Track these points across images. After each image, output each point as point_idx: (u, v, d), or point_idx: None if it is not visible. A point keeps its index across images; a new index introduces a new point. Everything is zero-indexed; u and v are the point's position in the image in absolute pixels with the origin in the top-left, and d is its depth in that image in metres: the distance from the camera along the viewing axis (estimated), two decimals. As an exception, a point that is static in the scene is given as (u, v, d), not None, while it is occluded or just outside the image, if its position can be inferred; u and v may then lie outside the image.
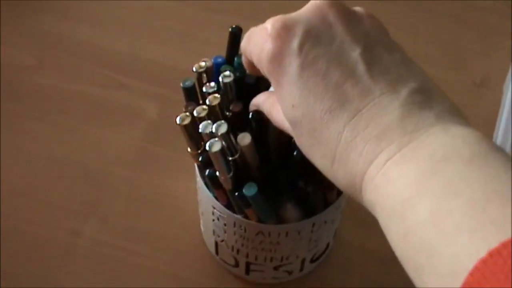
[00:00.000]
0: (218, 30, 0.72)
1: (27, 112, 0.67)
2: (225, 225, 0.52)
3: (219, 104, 0.46)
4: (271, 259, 0.55)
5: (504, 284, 0.28)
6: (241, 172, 0.47)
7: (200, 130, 0.45)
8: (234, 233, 0.52)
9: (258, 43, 0.40)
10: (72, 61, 0.71)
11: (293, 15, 0.40)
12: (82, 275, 0.58)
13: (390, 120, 0.36)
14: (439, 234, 0.31)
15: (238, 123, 0.48)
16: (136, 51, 0.72)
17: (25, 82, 0.69)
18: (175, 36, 0.73)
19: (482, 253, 0.29)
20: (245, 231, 0.51)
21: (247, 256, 0.55)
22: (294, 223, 0.51)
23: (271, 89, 0.43)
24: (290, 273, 0.57)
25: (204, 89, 0.48)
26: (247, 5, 0.74)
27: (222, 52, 0.51)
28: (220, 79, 0.47)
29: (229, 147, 0.46)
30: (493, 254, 0.29)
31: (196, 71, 0.49)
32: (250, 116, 0.47)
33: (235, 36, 0.50)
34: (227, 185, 0.47)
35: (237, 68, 0.49)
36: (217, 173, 0.47)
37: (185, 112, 0.46)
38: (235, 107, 0.48)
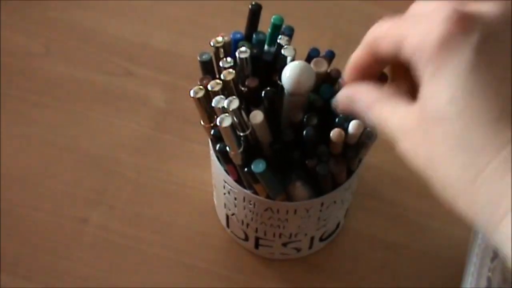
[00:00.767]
0: (226, 17, 0.73)
1: (34, 99, 0.67)
2: (235, 199, 0.53)
3: (233, 79, 0.47)
4: (280, 235, 0.55)
5: None
6: (252, 148, 0.48)
7: (212, 104, 0.45)
8: (244, 208, 0.53)
9: (424, 24, 0.35)
10: (79, 48, 0.71)
11: (475, 7, 0.35)
12: (89, 262, 0.59)
13: None
14: None
15: (253, 99, 0.49)
16: (144, 38, 0.72)
17: (32, 69, 0.69)
18: (183, 23, 0.73)
19: None
20: (254, 206, 0.52)
21: (256, 230, 0.56)
22: (303, 201, 0.51)
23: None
24: (298, 250, 0.58)
25: (220, 63, 0.48)
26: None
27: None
28: (237, 54, 0.47)
29: (240, 123, 0.46)
30: None
31: (213, 46, 0.50)
32: (263, 93, 0.47)
33: (255, 13, 0.50)
34: (237, 160, 0.48)
35: (255, 45, 0.50)
36: (227, 148, 0.47)
37: (199, 85, 0.47)
38: (251, 82, 0.48)
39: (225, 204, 0.56)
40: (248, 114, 0.47)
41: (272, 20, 0.50)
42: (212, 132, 0.49)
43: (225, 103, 0.45)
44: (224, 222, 0.60)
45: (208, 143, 0.53)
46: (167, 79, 0.69)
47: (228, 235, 0.60)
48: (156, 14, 0.74)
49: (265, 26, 0.51)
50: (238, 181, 0.52)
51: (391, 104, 0.38)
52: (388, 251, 0.61)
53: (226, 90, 0.47)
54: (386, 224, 0.62)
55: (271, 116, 0.48)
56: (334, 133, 0.47)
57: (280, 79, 0.47)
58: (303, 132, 0.48)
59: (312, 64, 0.48)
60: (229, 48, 0.50)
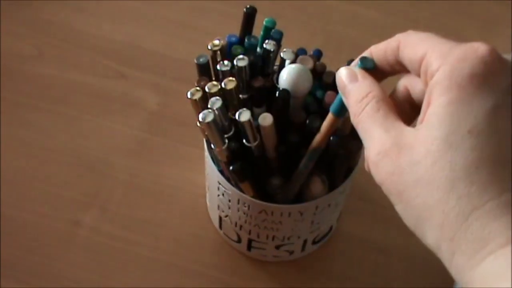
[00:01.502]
0: (219, 19, 0.73)
1: (26, 102, 0.67)
2: (229, 201, 0.53)
3: (234, 87, 0.47)
4: (273, 238, 0.56)
5: None
6: (240, 148, 0.48)
7: (208, 106, 0.46)
8: (238, 210, 0.53)
9: (462, 54, 0.35)
10: (72, 51, 0.71)
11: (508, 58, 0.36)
12: (82, 264, 0.59)
13: None
14: None
15: (257, 99, 0.49)
16: (136, 41, 0.72)
17: (24, 72, 0.69)
18: (175, 26, 0.73)
19: None
20: (248, 208, 0.52)
21: (249, 233, 0.56)
22: (297, 204, 0.51)
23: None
24: (291, 253, 0.58)
25: (218, 67, 0.48)
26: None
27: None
28: (235, 62, 0.48)
29: (252, 133, 0.47)
30: None
31: (211, 49, 0.50)
32: (277, 93, 0.47)
33: (250, 16, 0.51)
34: (222, 157, 0.48)
35: (248, 49, 0.50)
36: (212, 146, 0.48)
37: (197, 86, 0.47)
38: (256, 82, 0.48)
39: (218, 206, 0.56)
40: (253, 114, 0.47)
41: (264, 23, 0.50)
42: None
43: (236, 115, 0.45)
44: (216, 224, 0.60)
45: (202, 145, 0.53)
46: (159, 81, 0.69)
47: (220, 237, 0.61)
48: (148, 17, 0.74)
49: (258, 28, 0.51)
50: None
51: (378, 120, 0.37)
52: (380, 254, 0.61)
53: (227, 98, 0.47)
54: (379, 227, 0.62)
55: (280, 118, 0.48)
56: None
57: (277, 82, 0.48)
58: (305, 132, 0.48)
59: (298, 61, 0.49)
60: (226, 51, 0.50)
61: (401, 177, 0.35)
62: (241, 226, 0.56)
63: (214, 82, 0.47)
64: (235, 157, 0.48)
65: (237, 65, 0.47)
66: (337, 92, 0.48)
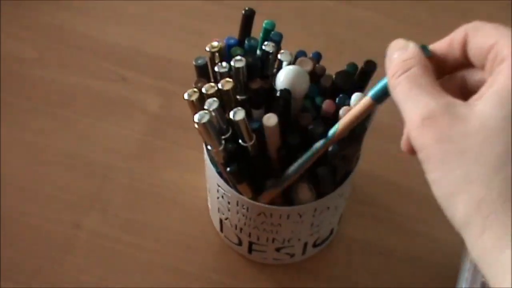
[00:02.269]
0: (221, 22, 0.73)
1: (27, 105, 0.67)
2: (228, 203, 0.53)
3: (231, 88, 0.47)
4: (273, 240, 0.55)
5: None
6: (236, 148, 0.48)
7: (205, 107, 0.46)
8: (237, 212, 0.53)
9: None
10: (73, 54, 0.71)
11: None
12: (83, 267, 0.59)
13: None
14: None
15: (255, 101, 0.49)
16: (137, 44, 0.72)
17: (25, 75, 0.69)
18: (176, 29, 0.73)
19: None
20: (247, 210, 0.52)
21: (249, 235, 0.56)
22: (295, 206, 0.51)
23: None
24: (292, 255, 0.58)
25: (216, 68, 0.48)
26: None
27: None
28: (232, 63, 0.48)
29: (248, 132, 0.47)
30: None
31: (209, 51, 0.50)
32: (278, 94, 0.47)
33: (248, 18, 0.51)
34: (219, 158, 0.48)
35: (248, 51, 0.50)
36: (209, 147, 0.48)
37: (194, 88, 0.47)
38: (254, 83, 0.48)
39: (218, 209, 0.56)
40: (250, 115, 0.47)
41: (264, 25, 0.50)
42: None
43: (230, 114, 0.45)
44: (217, 227, 0.60)
45: (202, 147, 0.53)
46: (161, 84, 0.69)
47: (221, 239, 0.60)
48: (150, 20, 0.74)
49: (258, 30, 0.51)
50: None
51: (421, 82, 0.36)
52: (381, 256, 0.61)
53: (224, 99, 0.47)
54: (380, 230, 0.62)
55: (283, 119, 0.48)
56: (344, 111, 0.47)
57: (274, 84, 0.48)
58: (306, 135, 0.48)
59: (297, 63, 0.49)
60: (224, 53, 0.50)
61: (446, 145, 0.34)
62: (241, 229, 0.56)
63: (212, 84, 0.47)
64: (232, 158, 0.48)
65: (234, 66, 0.47)
66: (334, 99, 0.48)
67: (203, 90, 0.47)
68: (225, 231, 0.59)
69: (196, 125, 0.46)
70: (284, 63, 0.49)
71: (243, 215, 0.53)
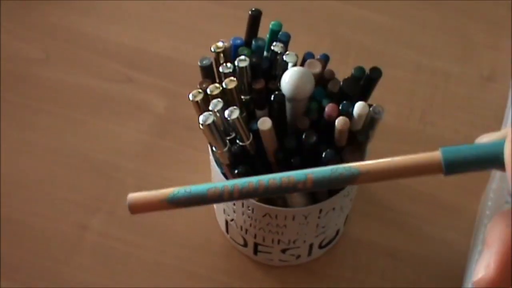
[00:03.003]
0: (227, 23, 0.73)
1: (34, 105, 0.67)
2: (234, 205, 0.53)
3: (235, 87, 0.47)
4: (279, 242, 0.55)
5: None
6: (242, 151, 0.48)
7: (210, 108, 0.46)
8: (243, 213, 0.53)
9: None
10: (79, 54, 0.71)
11: None
12: (89, 268, 0.59)
13: None
14: None
15: (258, 102, 0.49)
16: (144, 44, 0.72)
17: (32, 76, 0.69)
18: (182, 29, 0.73)
19: None
20: (253, 212, 0.52)
21: (255, 236, 0.56)
22: (300, 208, 0.51)
23: None
24: (297, 257, 0.58)
25: (220, 69, 0.48)
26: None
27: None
28: (236, 63, 0.48)
29: (244, 132, 0.47)
30: None
31: (214, 51, 0.50)
32: (272, 97, 0.47)
33: (255, 19, 0.50)
34: (224, 159, 0.48)
35: (255, 51, 0.50)
36: (214, 148, 0.48)
37: (199, 88, 0.47)
38: (257, 84, 0.48)
39: (224, 210, 0.56)
40: (250, 119, 0.47)
41: (270, 26, 0.50)
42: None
43: (226, 113, 0.45)
44: (223, 228, 0.60)
45: (207, 148, 0.53)
46: (167, 85, 0.69)
47: (227, 241, 0.60)
48: (156, 20, 0.74)
49: (265, 31, 0.51)
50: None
51: None
52: (388, 258, 0.60)
53: (228, 98, 0.47)
54: (386, 231, 0.62)
55: (279, 122, 0.48)
56: (339, 121, 0.47)
57: (280, 85, 0.47)
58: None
59: (305, 66, 0.48)
60: (229, 54, 0.50)
61: None
62: (246, 230, 0.55)
63: (216, 85, 0.47)
64: (237, 159, 0.48)
65: (238, 66, 0.47)
66: (338, 104, 0.48)
67: (208, 91, 0.47)
68: (230, 232, 0.59)
69: (201, 126, 0.46)
70: (290, 64, 0.48)
71: (249, 217, 0.53)
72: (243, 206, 0.52)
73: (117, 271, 0.59)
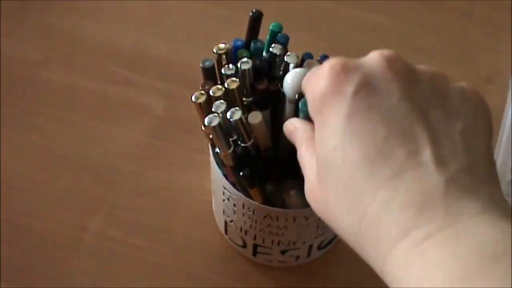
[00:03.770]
0: (226, 24, 0.73)
1: (33, 108, 0.67)
2: (234, 205, 0.53)
3: (237, 87, 0.47)
4: (278, 243, 0.55)
5: None
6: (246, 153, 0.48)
7: (212, 109, 0.46)
8: (243, 215, 0.53)
9: (315, 79, 0.39)
10: (78, 56, 0.71)
11: (355, 60, 0.38)
12: (88, 270, 0.59)
13: (433, 194, 0.34)
14: None
15: (261, 102, 0.49)
16: (143, 46, 0.72)
17: (31, 78, 0.69)
18: (181, 31, 0.73)
19: None
20: (253, 213, 0.52)
21: (254, 238, 0.56)
22: (302, 209, 0.51)
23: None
24: (297, 258, 0.58)
25: (222, 70, 0.48)
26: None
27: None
28: (239, 65, 0.48)
29: (246, 132, 0.47)
30: None
31: (216, 53, 0.50)
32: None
33: (255, 20, 0.50)
34: (228, 161, 0.48)
35: (254, 53, 0.50)
36: (217, 150, 0.48)
37: (201, 90, 0.47)
38: (261, 84, 0.48)
39: (223, 211, 0.56)
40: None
41: (270, 27, 0.50)
42: (210, 136, 0.49)
43: (228, 114, 0.45)
44: (222, 229, 0.60)
45: (208, 150, 0.53)
46: (166, 87, 0.69)
47: (226, 242, 0.60)
48: (155, 22, 0.74)
49: (265, 32, 0.51)
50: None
51: (309, 150, 0.41)
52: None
53: (229, 98, 0.47)
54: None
55: (275, 120, 0.48)
56: None
57: (281, 86, 0.47)
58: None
59: (304, 66, 0.49)
60: (231, 56, 0.50)
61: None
62: (246, 231, 0.55)
63: (219, 86, 0.47)
64: (240, 161, 0.48)
65: (240, 68, 0.47)
66: None
67: (211, 92, 0.47)
68: (229, 233, 0.59)
69: (203, 127, 0.46)
70: (291, 66, 0.49)
71: (249, 218, 0.53)
72: (243, 207, 0.52)
73: (116, 272, 0.59)
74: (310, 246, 0.57)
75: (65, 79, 0.69)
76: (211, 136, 0.48)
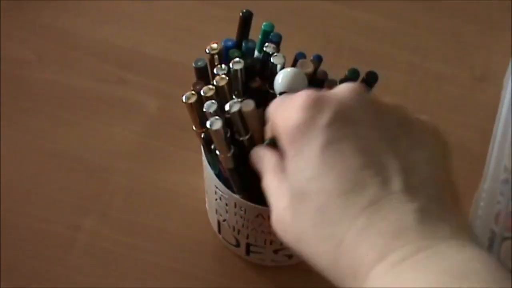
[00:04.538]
0: (220, 24, 0.73)
1: (26, 107, 0.67)
2: (226, 205, 0.53)
3: (226, 84, 0.47)
4: (271, 242, 0.55)
5: None
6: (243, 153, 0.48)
7: (204, 109, 0.46)
8: (235, 214, 0.53)
9: (286, 111, 0.40)
10: (71, 55, 0.71)
11: (329, 92, 0.40)
12: (82, 269, 0.59)
13: (406, 220, 0.36)
14: None
15: (255, 100, 0.49)
16: (136, 45, 0.72)
17: (24, 77, 0.69)
18: (175, 30, 0.73)
19: None
20: (245, 212, 0.52)
21: (247, 237, 0.56)
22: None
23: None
24: (290, 257, 0.58)
25: (215, 70, 0.48)
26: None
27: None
28: (231, 65, 0.48)
29: (244, 127, 0.47)
30: None
31: (209, 53, 0.50)
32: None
33: (246, 20, 0.51)
34: (228, 164, 0.48)
35: (245, 53, 0.50)
36: (217, 152, 0.48)
37: (192, 90, 0.47)
38: (254, 82, 0.48)
39: (216, 210, 0.56)
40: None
41: (263, 27, 0.50)
42: (202, 136, 0.49)
43: (226, 107, 0.45)
44: (216, 228, 0.60)
45: (200, 149, 0.53)
46: (160, 86, 0.69)
47: (219, 241, 0.60)
48: (149, 21, 0.74)
49: (257, 32, 0.51)
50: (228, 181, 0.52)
51: (277, 178, 0.41)
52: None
53: (219, 96, 0.47)
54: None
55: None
56: None
57: (271, 87, 0.48)
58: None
59: (298, 65, 0.49)
60: (223, 55, 0.50)
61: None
62: (239, 231, 0.56)
63: (210, 86, 0.47)
64: (238, 161, 0.48)
65: (233, 68, 0.47)
66: None
67: (202, 92, 0.47)
68: (223, 232, 0.59)
69: (194, 127, 0.46)
70: (278, 66, 0.48)
71: (241, 217, 0.53)
72: (235, 206, 0.52)
73: (110, 272, 0.59)
74: (303, 245, 0.57)
75: (59, 78, 0.69)
76: (202, 137, 0.48)
